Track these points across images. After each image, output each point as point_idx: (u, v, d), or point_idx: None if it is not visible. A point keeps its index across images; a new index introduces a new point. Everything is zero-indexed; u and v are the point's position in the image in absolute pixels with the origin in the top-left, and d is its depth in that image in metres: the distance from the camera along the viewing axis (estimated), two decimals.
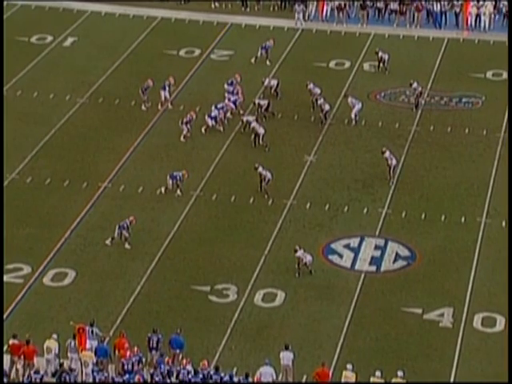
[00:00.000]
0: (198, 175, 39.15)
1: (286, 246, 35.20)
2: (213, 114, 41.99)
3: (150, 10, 53.70)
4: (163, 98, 43.59)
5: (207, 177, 39.21)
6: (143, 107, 43.55)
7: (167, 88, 43.70)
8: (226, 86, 44.05)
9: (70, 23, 52.18)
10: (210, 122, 41.77)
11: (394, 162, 38.55)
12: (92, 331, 29.34)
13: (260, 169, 37.63)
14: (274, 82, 44.64)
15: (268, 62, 47.63)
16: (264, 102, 43.16)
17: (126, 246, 34.85)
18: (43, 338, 29.19)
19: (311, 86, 44.06)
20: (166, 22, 52.68)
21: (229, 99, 42.97)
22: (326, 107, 42.44)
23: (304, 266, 33.64)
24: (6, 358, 28.85)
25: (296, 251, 33.68)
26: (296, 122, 42.98)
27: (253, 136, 40.96)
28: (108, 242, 35.03)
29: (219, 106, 42.38)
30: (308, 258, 33.72)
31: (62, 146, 41.39)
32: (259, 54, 47.91)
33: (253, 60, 47.88)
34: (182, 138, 41.15)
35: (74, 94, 44.98)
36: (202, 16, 53.28)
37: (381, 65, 47.19)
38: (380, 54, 47.16)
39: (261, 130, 40.93)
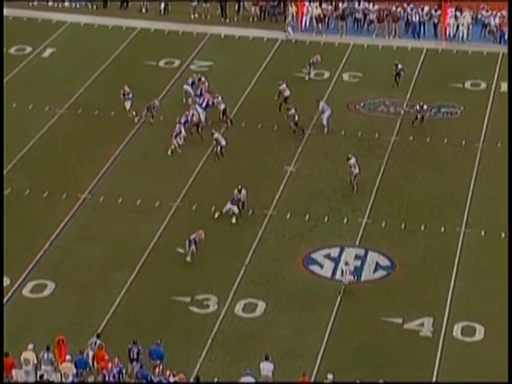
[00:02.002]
0: (178, 186, 39.16)
1: (267, 257, 35.27)
2: (183, 120, 42.05)
3: (129, 20, 53.76)
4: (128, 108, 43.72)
5: (187, 187, 39.23)
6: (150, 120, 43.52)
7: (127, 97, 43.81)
8: (187, 87, 43.97)
9: (48, 34, 52.18)
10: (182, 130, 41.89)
11: (357, 170, 38.59)
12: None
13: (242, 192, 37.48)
14: (222, 107, 43.69)
15: (308, 77, 47.59)
16: (222, 106, 43.35)
17: (188, 259, 34.75)
18: (22, 350, 29.01)
19: (283, 86, 44.42)
20: (145, 32, 52.75)
21: (196, 102, 43.04)
22: (296, 117, 42.51)
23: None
24: None
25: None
26: (275, 133, 43.04)
27: (217, 148, 40.89)
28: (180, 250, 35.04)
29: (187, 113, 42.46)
30: None
31: (41, 156, 41.34)
32: (308, 70, 47.62)
33: (306, 77, 47.58)
34: (169, 152, 41.04)
35: (53, 104, 44.94)
36: (181, 27, 53.36)
37: (397, 78, 46.87)
38: (399, 66, 46.91)
39: (223, 142, 40.88)
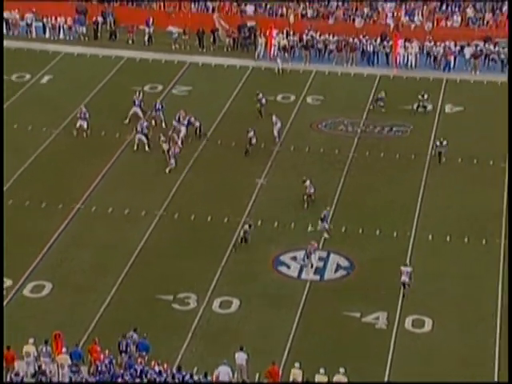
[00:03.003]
0: (162, 197, 39.02)
1: (241, 259, 35.17)
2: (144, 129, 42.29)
3: (118, 50, 53.67)
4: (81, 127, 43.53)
5: (170, 198, 39.09)
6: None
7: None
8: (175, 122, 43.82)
9: (46, 63, 51.97)
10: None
11: (312, 190, 38.31)
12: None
13: None
14: (197, 124, 43.73)
15: (383, 110, 46.76)
16: (197, 124, 43.39)
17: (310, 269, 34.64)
18: (23, 344, 28.82)
19: (260, 95, 45.12)
20: (131, 61, 52.64)
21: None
22: (254, 141, 42.18)
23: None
24: None
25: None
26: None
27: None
28: None
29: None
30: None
31: (39, 171, 41.10)
32: (373, 105, 46.96)
33: (370, 107, 46.94)
34: (167, 171, 40.64)
35: (50, 125, 44.70)
36: (163, 56, 53.29)
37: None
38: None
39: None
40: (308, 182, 38.35)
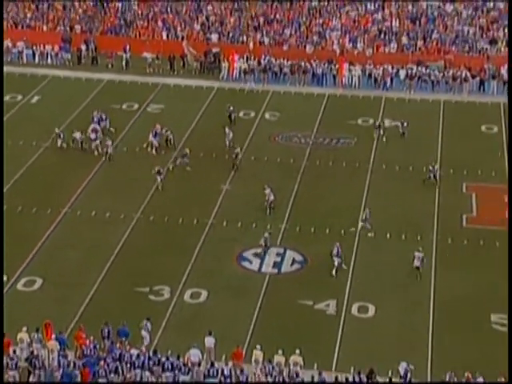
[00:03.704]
0: (139, 201, 38.86)
1: (208, 255, 35.11)
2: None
3: (99, 74, 53.41)
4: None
5: (146, 202, 38.94)
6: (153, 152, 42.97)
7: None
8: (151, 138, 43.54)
9: (35, 85, 51.60)
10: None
11: (272, 198, 37.96)
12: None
13: None
14: (170, 136, 43.62)
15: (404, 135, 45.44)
16: (170, 136, 43.44)
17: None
18: (17, 331, 28.64)
19: (231, 108, 46.06)
20: (111, 83, 52.38)
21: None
22: (239, 156, 42.01)
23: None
24: None
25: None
26: (214, 159, 42.87)
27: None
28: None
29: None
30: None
31: (30, 181, 40.73)
32: (401, 130, 45.49)
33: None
34: (159, 188, 39.80)
35: (39, 140, 44.30)
36: (139, 78, 53.09)
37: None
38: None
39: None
40: (268, 190, 38.03)
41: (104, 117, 45.16)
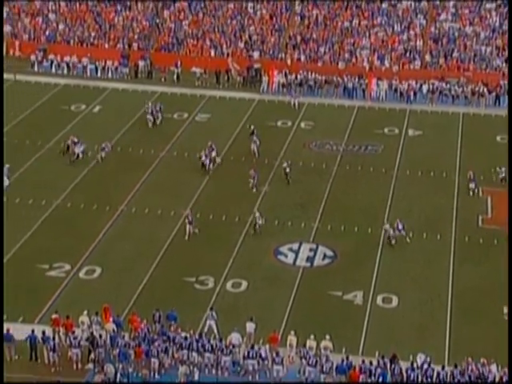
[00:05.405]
0: (187, 200, 38.85)
1: (248, 250, 35.08)
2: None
3: (153, 86, 53.45)
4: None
5: (193, 201, 38.98)
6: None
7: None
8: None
9: (97, 96, 51.79)
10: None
11: (260, 222, 35.47)
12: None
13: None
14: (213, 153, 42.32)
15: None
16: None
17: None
18: (79, 315, 28.96)
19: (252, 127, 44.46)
20: (164, 94, 52.44)
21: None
22: (288, 170, 40.51)
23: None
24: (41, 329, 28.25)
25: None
26: (254, 164, 42.55)
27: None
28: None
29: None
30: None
31: (93, 180, 40.94)
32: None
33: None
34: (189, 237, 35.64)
35: (100, 145, 44.40)
36: (189, 90, 53.21)
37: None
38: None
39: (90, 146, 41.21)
40: (258, 214, 35.96)
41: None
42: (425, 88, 52.00)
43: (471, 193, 39.35)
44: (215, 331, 28.88)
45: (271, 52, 56.97)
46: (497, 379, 26.48)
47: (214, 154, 42.33)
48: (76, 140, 42.88)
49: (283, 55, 56.50)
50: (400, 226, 35.48)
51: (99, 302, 29.82)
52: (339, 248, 35.31)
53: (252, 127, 45.13)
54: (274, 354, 27.52)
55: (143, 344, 27.51)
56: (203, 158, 41.81)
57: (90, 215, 37.70)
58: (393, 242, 35.09)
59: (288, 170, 40.71)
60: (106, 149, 43.02)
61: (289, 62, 55.74)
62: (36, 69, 55.45)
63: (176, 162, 42.85)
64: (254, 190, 39.37)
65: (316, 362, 27.18)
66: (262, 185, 40.49)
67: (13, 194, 38.73)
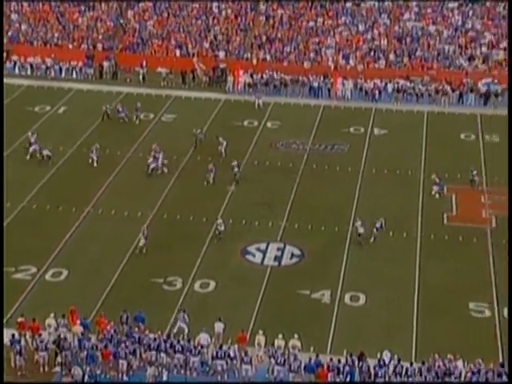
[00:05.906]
0: (153, 201, 38.74)
1: (216, 249, 35.05)
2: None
3: (118, 87, 53.23)
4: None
5: (160, 202, 38.81)
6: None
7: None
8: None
9: (62, 97, 51.42)
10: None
11: (222, 228, 35.22)
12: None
13: None
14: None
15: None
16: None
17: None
18: (46, 317, 28.76)
19: (198, 131, 44.11)
20: (129, 95, 52.24)
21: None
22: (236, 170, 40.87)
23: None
24: (9, 332, 28.03)
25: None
26: (220, 164, 42.46)
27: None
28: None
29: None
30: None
31: (57, 182, 40.64)
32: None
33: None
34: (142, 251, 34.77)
35: (66, 146, 44.23)
36: (154, 91, 53.02)
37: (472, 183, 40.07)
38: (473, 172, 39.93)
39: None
40: (220, 221, 35.69)
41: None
42: (390, 87, 52.39)
43: (437, 195, 39.59)
44: (185, 332, 28.76)
45: (237, 52, 56.97)
46: (463, 375, 26.75)
47: (160, 156, 41.72)
48: (33, 140, 42.60)
49: (249, 55, 56.54)
50: (378, 225, 35.60)
51: (66, 305, 29.59)
52: (307, 247, 35.39)
53: (198, 131, 44.40)
54: (243, 354, 27.53)
55: (110, 346, 27.33)
56: (150, 160, 41.31)
57: (55, 217, 37.38)
58: (362, 240, 35.22)
59: (236, 169, 40.56)
60: (94, 150, 42.42)
61: (254, 61, 55.78)
62: None
63: (142, 163, 42.58)
64: (211, 183, 39.49)
65: (284, 361, 27.25)
66: (228, 184, 40.47)
67: None
